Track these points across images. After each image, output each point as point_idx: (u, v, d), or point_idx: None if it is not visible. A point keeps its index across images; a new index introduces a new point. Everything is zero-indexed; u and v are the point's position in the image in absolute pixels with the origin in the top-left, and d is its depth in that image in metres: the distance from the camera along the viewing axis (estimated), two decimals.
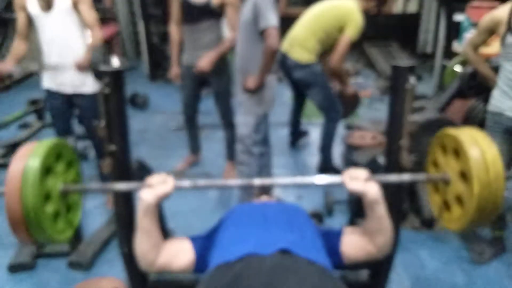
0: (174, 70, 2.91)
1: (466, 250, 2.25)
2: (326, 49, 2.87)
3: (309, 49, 2.82)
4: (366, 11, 2.78)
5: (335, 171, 3.07)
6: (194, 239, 1.35)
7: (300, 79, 2.93)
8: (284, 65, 2.98)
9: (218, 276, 1.09)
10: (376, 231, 1.27)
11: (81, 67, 2.32)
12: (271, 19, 2.09)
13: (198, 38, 2.75)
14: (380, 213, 1.24)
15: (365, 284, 1.69)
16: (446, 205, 1.26)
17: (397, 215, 1.55)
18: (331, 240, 1.33)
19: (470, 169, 1.09)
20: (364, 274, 1.71)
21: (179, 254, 1.31)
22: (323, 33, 2.77)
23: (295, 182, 1.39)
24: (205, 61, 2.65)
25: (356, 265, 1.72)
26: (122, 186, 1.32)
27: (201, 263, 1.29)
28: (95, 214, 2.66)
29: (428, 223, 2.44)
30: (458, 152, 1.17)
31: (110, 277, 2.01)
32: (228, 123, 3.03)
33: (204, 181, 1.29)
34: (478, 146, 1.11)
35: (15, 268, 2.13)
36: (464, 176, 1.15)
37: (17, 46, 2.42)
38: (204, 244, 1.33)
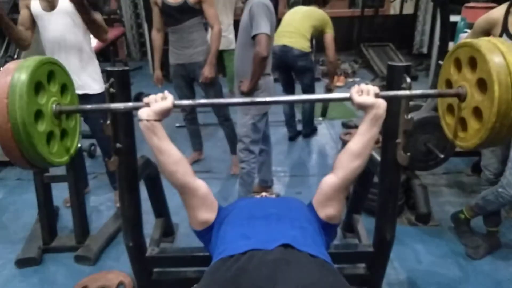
0: (157, 74, 3.04)
1: (461, 245, 2.30)
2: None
3: (308, 39, 3.40)
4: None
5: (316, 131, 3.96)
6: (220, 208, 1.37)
7: (303, 66, 3.46)
8: (287, 57, 3.39)
9: (222, 269, 1.11)
10: (359, 152, 1.27)
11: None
12: (263, 27, 2.13)
13: (183, 37, 2.81)
14: (375, 132, 1.25)
15: (362, 277, 1.74)
16: (462, 123, 1.23)
17: (393, 210, 1.61)
18: (310, 208, 1.36)
19: (490, 71, 1.03)
20: (361, 268, 1.77)
21: (209, 206, 1.33)
22: (313, 28, 3.42)
23: (301, 98, 1.35)
24: (207, 70, 2.76)
25: (352, 259, 1.78)
26: (119, 105, 1.33)
27: (209, 233, 1.32)
28: (102, 209, 2.72)
29: (424, 219, 2.50)
30: (475, 60, 1.12)
31: (116, 271, 2.07)
32: (224, 119, 3.09)
33: (204, 100, 1.28)
34: (497, 49, 1.06)
35: (22, 263, 2.17)
36: (483, 83, 1.09)
37: (22, 32, 2.32)
38: (221, 221, 1.34)
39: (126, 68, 1.45)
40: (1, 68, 1.10)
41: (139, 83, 5.66)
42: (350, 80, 5.87)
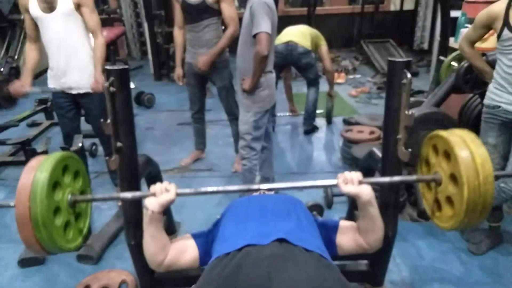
0: (178, 72, 3.02)
1: (463, 240, 2.30)
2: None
3: (310, 40, 3.68)
4: None
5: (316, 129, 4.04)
6: (197, 236, 1.42)
7: (307, 63, 3.70)
8: (292, 55, 3.61)
9: (219, 267, 1.13)
10: (368, 230, 1.35)
11: (97, 89, 2.37)
12: (263, 26, 2.13)
13: (199, 36, 2.81)
14: (372, 213, 1.32)
15: (364, 274, 1.74)
16: (438, 204, 1.30)
17: (395, 207, 1.60)
18: (328, 231, 1.40)
19: (460, 173, 1.12)
20: (363, 264, 1.77)
21: (184, 252, 1.38)
22: (310, 37, 3.72)
23: (294, 186, 1.46)
24: (202, 61, 2.76)
25: (354, 256, 1.78)
26: (128, 195, 1.39)
27: (205, 257, 1.35)
28: (104, 209, 2.72)
29: (426, 215, 2.48)
30: (449, 154, 1.20)
31: (118, 270, 2.07)
32: (234, 117, 3.10)
33: (204, 188, 1.35)
34: (468, 149, 1.13)
35: (25, 263, 2.18)
36: (455, 178, 1.18)
37: (29, 53, 2.42)
38: (207, 239, 1.39)
39: (126, 67, 1.45)
40: (24, 168, 1.18)
41: (139, 82, 5.69)
42: (351, 76, 5.87)
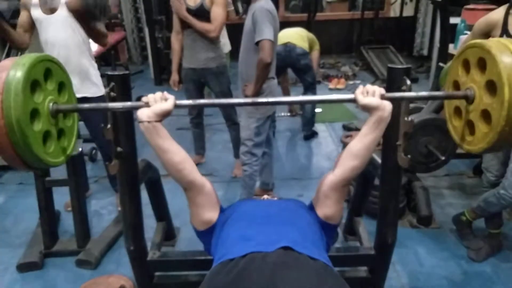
0: (174, 77, 3.02)
1: (463, 247, 2.30)
2: None
3: (307, 42, 3.74)
4: None
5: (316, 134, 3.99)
6: (221, 213, 1.37)
7: (305, 64, 3.70)
8: (291, 56, 3.65)
9: (223, 273, 1.11)
10: (358, 153, 1.26)
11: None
12: (266, 33, 2.13)
13: (197, 41, 2.83)
14: (378, 134, 1.23)
15: (363, 280, 1.73)
16: (469, 126, 1.20)
17: (394, 213, 1.60)
18: (310, 208, 1.37)
19: (500, 73, 1.01)
20: (362, 271, 1.76)
21: (213, 205, 1.32)
22: (307, 39, 3.81)
23: (304, 100, 1.33)
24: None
25: (353, 260, 1.77)
26: (117, 105, 1.28)
27: (210, 234, 1.32)
28: (103, 213, 2.72)
29: (425, 221, 2.50)
30: (484, 61, 1.10)
31: (117, 275, 2.07)
32: (232, 123, 3.11)
33: (205, 100, 1.24)
34: (508, 50, 1.03)
35: (24, 267, 2.18)
36: (492, 86, 1.07)
37: (20, 36, 2.32)
38: (222, 222, 1.33)
39: (127, 72, 1.45)
40: None
41: (140, 87, 5.69)
42: (351, 82, 5.88)
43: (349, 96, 1.25)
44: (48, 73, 1.18)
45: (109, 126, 1.37)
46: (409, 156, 1.37)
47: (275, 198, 1.67)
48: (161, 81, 6.12)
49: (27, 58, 1.08)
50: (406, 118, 1.32)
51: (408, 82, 1.30)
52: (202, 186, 1.29)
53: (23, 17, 2.31)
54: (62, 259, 2.26)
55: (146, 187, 1.99)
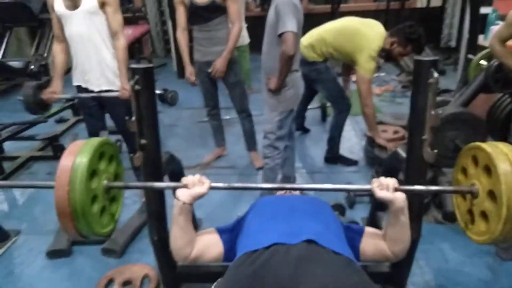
0: (189, 70, 3.00)
1: (491, 244, 2.23)
2: (333, 58, 3.02)
3: (317, 52, 2.94)
4: (387, 50, 2.84)
5: (342, 160, 3.28)
6: (221, 231, 1.42)
7: (304, 74, 2.94)
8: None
9: (246, 263, 1.12)
10: (396, 238, 1.33)
11: (124, 96, 2.37)
12: (289, 25, 2.11)
13: (211, 36, 2.84)
14: (403, 221, 1.29)
15: (386, 276, 1.71)
16: (471, 216, 1.26)
17: (419, 208, 1.57)
18: (352, 236, 1.38)
19: (501, 193, 1.07)
20: (385, 266, 1.74)
21: (209, 247, 1.38)
22: (332, 48, 2.90)
23: (323, 187, 1.45)
24: (219, 63, 2.81)
25: None
26: (161, 185, 1.41)
27: (229, 253, 1.35)
28: (128, 203, 2.77)
29: (451, 217, 2.44)
30: (489, 169, 1.15)
31: (141, 264, 2.11)
32: (246, 114, 3.12)
33: (238, 184, 1.36)
34: None
35: (53, 254, 2.26)
36: (493, 195, 1.13)
37: (57, 57, 2.45)
38: (231, 235, 1.39)
39: (151, 65, 1.47)
40: (64, 153, 1.21)
41: (163, 80, 5.77)
42: (376, 75, 5.76)
43: (366, 186, 1.31)
44: (102, 155, 1.30)
45: (133, 118, 1.40)
46: (435, 150, 1.34)
47: (298, 192, 1.67)
48: (184, 74, 6.17)
49: (88, 150, 1.21)
50: (432, 112, 1.30)
51: (435, 74, 1.28)
52: (195, 257, 1.36)
53: (54, 21, 2.39)
54: (88, 247, 2.33)
55: (169, 178, 2.02)
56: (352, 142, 3.69)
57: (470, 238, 1.26)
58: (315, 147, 3.64)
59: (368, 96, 2.81)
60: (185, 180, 1.30)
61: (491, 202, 1.15)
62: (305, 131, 3.96)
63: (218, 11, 2.77)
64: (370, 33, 2.78)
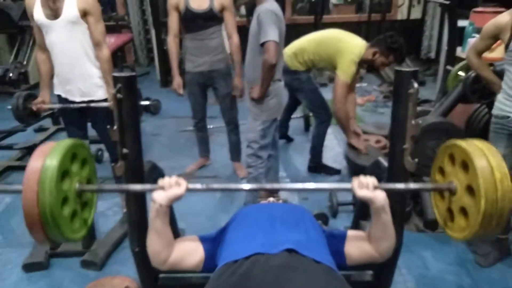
0: (177, 81, 2.96)
1: (470, 252, 2.27)
2: (317, 68, 3.10)
3: (300, 61, 2.98)
4: (369, 61, 2.87)
5: (325, 169, 3.31)
6: (203, 239, 1.40)
7: (286, 83, 3.00)
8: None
9: (227, 274, 1.11)
10: (380, 237, 1.33)
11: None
12: (271, 34, 2.13)
13: (205, 44, 2.83)
14: (385, 220, 1.30)
15: (369, 285, 1.71)
16: (451, 214, 1.28)
17: (401, 216, 1.59)
18: (336, 242, 1.38)
19: (479, 187, 1.09)
20: (368, 275, 1.75)
21: (189, 253, 1.35)
22: (315, 56, 2.95)
23: (305, 187, 1.46)
24: (238, 81, 2.85)
25: (359, 266, 1.76)
26: (136, 187, 1.37)
27: (209, 262, 1.33)
28: (108, 215, 2.73)
29: (432, 225, 2.47)
30: (467, 165, 1.17)
31: (122, 276, 2.07)
32: (234, 126, 3.12)
33: (216, 185, 1.34)
34: (488, 163, 1.10)
35: (30, 267, 2.19)
36: (471, 190, 1.15)
37: (42, 66, 2.40)
38: (213, 244, 1.37)
39: (134, 73, 1.45)
40: (33, 153, 1.16)
41: (146, 89, 5.72)
42: (357, 85, 5.84)
43: (347, 185, 1.31)
44: (74, 157, 1.26)
45: (115, 127, 1.38)
46: (416, 159, 1.36)
47: (280, 201, 1.67)
48: (167, 83, 6.14)
49: (59, 151, 1.16)
50: (413, 121, 1.32)
51: (416, 85, 1.30)
52: (174, 263, 1.34)
53: (35, 30, 2.33)
54: (67, 260, 2.27)
55: None
56: (335, 152, 3.72)
57: (450, 237, 1.27)
58: (299, 156, 3.66)
59: (341, 100, 2.85)
60: (161, 182, 1.27)
61: (469, 197, 1.16)
62: (289, 140, 3.99)
63: (213, 20, 2.77)
64: (352, 41, 2.86)
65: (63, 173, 1.17)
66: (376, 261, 1.39)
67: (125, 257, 2.26)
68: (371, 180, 1.27)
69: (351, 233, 1.43)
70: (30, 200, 1.10)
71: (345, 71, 2.80)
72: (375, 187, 1.27)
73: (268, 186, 1.37)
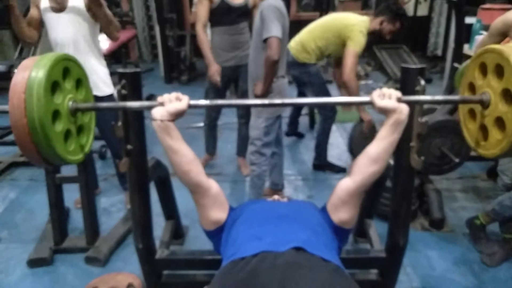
0: (216, 67, 2.79)
1: (476, 251, 2.25)
2: (325, 55, 3.05)
3: (308, 51, 2.95)
4: (374, 32, 2.88)
5: (330, 167, 3.29)
6: (231, 209, 1.38)
7: (295, 77, 3.04)
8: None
9: (234, 271, 1.10)
10: (377, 157, 1.26)
11: None
12: (274, 30, 2.11)
13: (235, 39, 2.82)
14: (395, 138, 1.23)
15: (374, 283, 1.71)
16: (483, 131, 1.20)
17: (406, 215, 1.57)
18: (324, 213, 1.35)
19: None
20: (373, 274, 1.74)
21: (220, 205, 1.33)
22: (323, 40, 2.91)
23: (320, 101, 1.33)
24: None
25: (364, 265, 1.75)
26: (134, 104, 1.32)
27: (220, 233, 1.32)
28: (112, 211, 2.73)
29: (437, 224, 2.46)
30: (501, 69, 1.09)
31: (125, 273, 2.07)
32: (244, 120, 3.10)
33: (221, 101, 1.26)
34: None
35: (34, 263, 2.19)
36: (508, 94, 1.07)
37: (30, 30, 2.28)
38: (232, 222, 1.34)
39: (138, 70, 1.45)
40: (18, 66, 1.09)
41: (150, 85, 5.73)
42: (363, 82, 5.83)
43: (366, 98, 1.24)
44: (66, 71, 1.20)
45: (119, 123, 1.37)
46: (422, 157, 1.35)
47: (285, 199, 1.66)
48: (171, 79, 6.14)
49: (47, 60, 1.09)
50: (419, 119, 1.31)
51: (422, 82, 1.29)
52: (207, 188, 1.30)
53: (32, 14, 2.30)
54: (71, 256, 2.27)
55: (155, 185, 1.99)
56: (340, 150, 3.70)
57: (484, 155, 1.18)
58: (304, 154, 3.65)
59: (353, 69, 2.79)
60: (160, 98, 1.21)
61: (505, 103, 1.08)
62: (300, 136, 3.97)
63: (245, 14, 2.77)
64: (355, 17, 2.87)
65: (53, 84, 1.10)
66: (351, 193, 1.29)
67: (128, 254, 2.26)
68: (394, 91, 1.21)
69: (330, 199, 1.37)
70: (18, 112, 1.01)
71: (356, 42, 2.76)
72: (399, 99, 1.20)
73: (277, 101, 1.30)
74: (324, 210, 1.35)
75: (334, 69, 3.47)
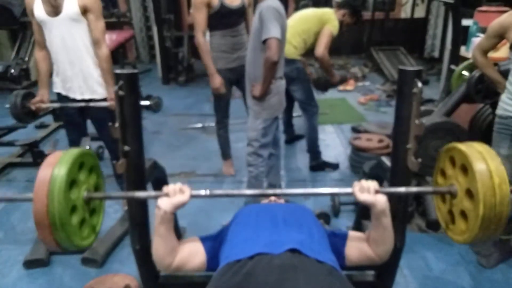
0: (218, 80, 2.78)
1: (473, 253, 2.26)
2: (308, 49, 3.15)
3: (295, 45, 3.04)
4: (340, 22, 3.11)
5: (327, 165, 3.35)
6: (204, 240, 1.40)
7: (285, 74, 3.00)
8: None
9: (229, 274, 1.11)
10: (379, 241, 1.33)
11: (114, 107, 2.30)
12: (273, 31, 2.11)
13: (237, 40, 2.84)
14: (385, 224, 1.30)
15: (371, 285, 1.71)
16: (452, 216, 1.28)
17: (403, 217, 1.57)
18: (337, 242, 1.38)
19: (477, 191, 1.09)
20: (370, 275, 1.74)
21: (192, 256, 1.36)
22: (305, 33, 3.04)
23: (307, 192, 1.50)
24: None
25: (362, 266, 1.75)
26: (141, 194, 1.39)
27: (212, 262, 1.34)
28: (109, 212, 2.72)
29: (434, 226, 2.46)
30: (466, 169, 1.17)
31: (122, 274, 2.06)
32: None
33: (219, 191, 1.35)
34: (487, 167, 1.10)
35: (30, 264, 2.19)
36: (470, 194, 1.15)
37: (41, 63, 2.38)
38: (215, 245, 1.37)
39: (135, 70, 1.44)
40: (42, 164, 1.19)
41: (148, 86, 5.72)
42: (360, 84, 5.84)
43: (348, 190, 1.30)
44: (82, 165, 1.28)
45: (116, 124, 1.37)
46: (419, 159, 1.35)
47: (282, 201, 1.66)
48: (169, 80, 6.14)
49: (67, 161, 1.18)
50: (416, 121, 1.31)
51: (419, 84, 1.29)
52: (178, 266, 1.35)
53: (35, 27, 2.30)
54: (68, 257, 2.26)
55: (153, 186, 1.98)
56: (337, 150, 3.71)
57: (452, 239, 1.27)
58: (300, 155, 3.65)
59: (326, 48, 2.99)
60: (166, 189, 1.29)
61: (469, 200, 1.17)
62: (299, 138, 3.88)
63: (243, 15, 2.79)
64: (325, 9, 3.14)
65: (71, 182, 1.20)
66: (374, 263, 1.39)
67: (125, 255, 2.25)
68: (372, 184, 1.27)
69: (352, 234, 1.43)
70: (40, 211, 1.12)
71: (333, 26, 3.00)
72: (376, 191, 1.26)
73: (270, 191, 1.38)
74: (340, 251, 1.37)
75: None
